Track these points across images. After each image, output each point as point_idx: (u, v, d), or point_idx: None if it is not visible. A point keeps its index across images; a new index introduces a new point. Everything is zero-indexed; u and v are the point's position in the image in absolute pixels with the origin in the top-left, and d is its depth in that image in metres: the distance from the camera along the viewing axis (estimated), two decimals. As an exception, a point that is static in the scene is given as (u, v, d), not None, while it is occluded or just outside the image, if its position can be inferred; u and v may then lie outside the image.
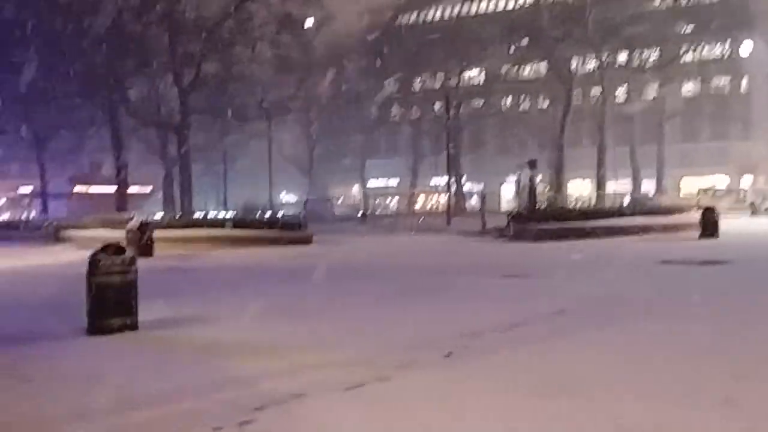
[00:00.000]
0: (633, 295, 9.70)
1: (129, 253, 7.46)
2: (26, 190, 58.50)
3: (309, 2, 33.71)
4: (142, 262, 17.03)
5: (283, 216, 28.35)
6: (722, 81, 52.89)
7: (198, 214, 29.75)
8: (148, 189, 52.47)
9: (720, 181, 51.13)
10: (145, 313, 8.16)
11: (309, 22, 48.23)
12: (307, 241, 20.73)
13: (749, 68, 50.52)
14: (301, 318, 8.41)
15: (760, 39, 44.99)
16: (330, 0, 36.46)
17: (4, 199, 65.94)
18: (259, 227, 21.30)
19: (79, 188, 56.92)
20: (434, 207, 53.64)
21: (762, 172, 50.51)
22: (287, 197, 61.47)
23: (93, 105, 37.34)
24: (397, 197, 66.20)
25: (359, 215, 48.35)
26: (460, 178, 52.56)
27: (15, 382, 5.73)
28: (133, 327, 7.47)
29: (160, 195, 42.67)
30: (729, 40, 48.31)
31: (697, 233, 20.29)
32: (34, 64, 35.97)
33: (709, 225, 20.12)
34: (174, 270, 14.99)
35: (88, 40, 32.62)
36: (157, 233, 20.15)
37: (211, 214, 30.97)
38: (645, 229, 21.20)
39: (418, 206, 59.74)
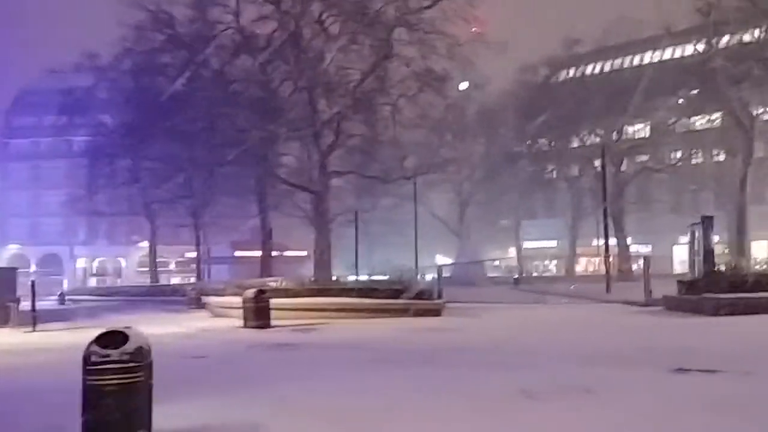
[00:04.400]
0: None
1: (134, 342, 5.60)
2: (192, 254, 61.10)
3: (453, 57, 32.04)
4: (252, 335, 15.96)
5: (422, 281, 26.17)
6: None
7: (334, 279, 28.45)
8: (303, 253, 52.90)
9: None
10: (187, 413, 6.71)
11: (462, 85, 46.89)
12: (436, 312, 18.46)
13: None
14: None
15: None
16: (479, 60, 34.58)
17: (173, 264, 69.71)
18: (384, 296, 19.31)
19: (240, 253, 58.64)
20: (596, 270, 49.60)
21: None
22: (442, 260, 59.72)
23: (244, 172, 37.77)
24: (555, 260, 62.83)
25: (513, 279, 46.04)
26: (625, 238, 48.15)
27: None
28: (142, 447, 5.60)
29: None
30: None
31: None
32: (194, 133, 37.27)
33: None
34: (277, 347, 13.32)
35: (239, 107, 33.17)
36: (280, 301, 18.89)
37: (350, 278, 29.57)
38: None
39: (578, 269, 56.13)
